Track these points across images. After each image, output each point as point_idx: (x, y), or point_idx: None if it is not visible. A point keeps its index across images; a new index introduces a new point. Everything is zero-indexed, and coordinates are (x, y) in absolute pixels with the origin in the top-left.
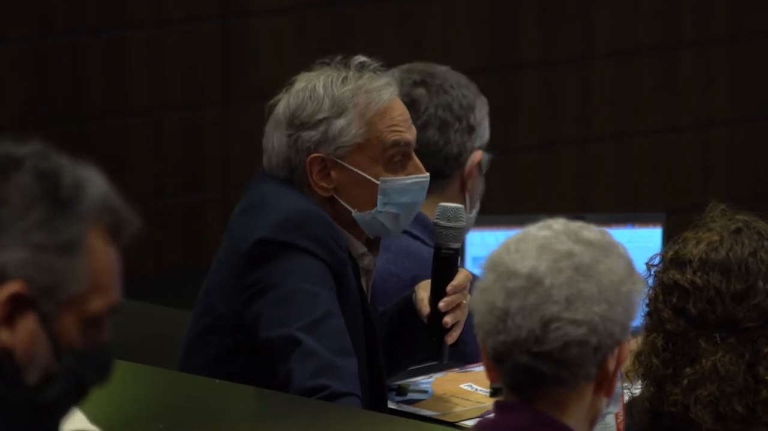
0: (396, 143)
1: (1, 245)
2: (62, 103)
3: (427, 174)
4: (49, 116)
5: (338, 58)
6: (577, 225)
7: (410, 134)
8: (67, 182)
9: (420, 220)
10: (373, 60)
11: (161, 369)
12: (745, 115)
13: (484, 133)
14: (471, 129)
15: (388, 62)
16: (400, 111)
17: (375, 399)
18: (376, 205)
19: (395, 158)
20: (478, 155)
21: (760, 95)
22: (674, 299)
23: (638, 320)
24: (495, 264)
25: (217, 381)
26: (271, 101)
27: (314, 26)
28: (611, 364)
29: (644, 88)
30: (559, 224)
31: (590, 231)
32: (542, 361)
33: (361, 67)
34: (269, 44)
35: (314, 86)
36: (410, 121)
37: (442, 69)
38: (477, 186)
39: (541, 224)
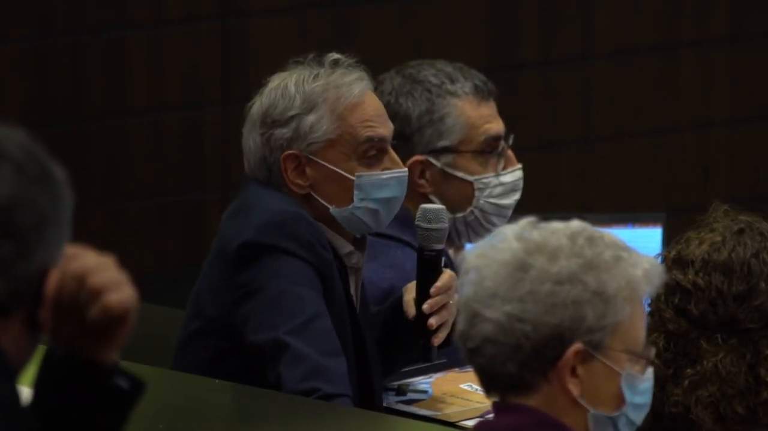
0: (369, 139)
1: None
2: (62, 103)
3: (405, 169)
4: (49, 116)
5: (311, 56)
6: (536, 224)
7: (384, 129)
8: None
9: (410, 224)
10: (347, 57)
11: (161, 369)
12: (745, 115)
13: (428, 139)
14: (406, 138)
15: (388, 62)
16: (374, 106)
17: (363, 398)
18: (352, 201)
19: (369, 153)
20: (414, 160)
21: (760, 95)
22: (676, 300)
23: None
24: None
25: (217, 381)
26: (248, 104)
27: (314, 26)
28: (563, 364)
29: (644, 88)
30: (523, 221)
31: (543, 231)
32: (474, 359)
33: (335, 64)
34: (269, 44)
35: (286, 84)
36: (386, 116)
37: (411, 72)
38: (447, 189)
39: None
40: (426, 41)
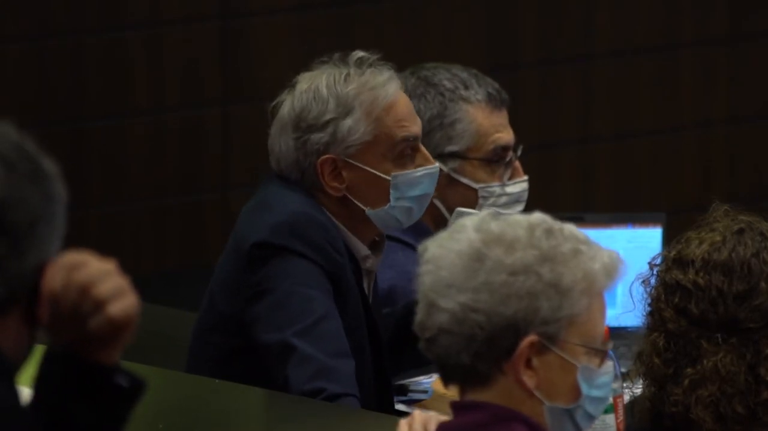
0: (405, 139)
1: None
2: (62, 103)
3: (436, 164)
4: (49, 116)
5: (337, 55)
6: (496, 216)
7: (417, 127)
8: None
9: (412, 226)
10: (371, 54)
11: (161, 369)
12: (745, 115)
13: (436, 142)
14: None
15: (388, 62)
16: (406, 104)
17: (382, 400)
18: (388, 201)
19: (405, 153)
20: None
21: (760, 95)
22: (676, 299)
23: (636, 319)
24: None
25: (217, 381)
26: (274, 102)
27: (314, 26)
28: (517, 355)
29: (644, 88)
30: (484, 212)
31: (502, 223)
32: (431, 349)
33: (361, 62)
34: (269, 44)
35: (317, 87)
36: (414, 113)
37: (426, 74)
38: (451, 194)
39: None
40: (426, 41)
